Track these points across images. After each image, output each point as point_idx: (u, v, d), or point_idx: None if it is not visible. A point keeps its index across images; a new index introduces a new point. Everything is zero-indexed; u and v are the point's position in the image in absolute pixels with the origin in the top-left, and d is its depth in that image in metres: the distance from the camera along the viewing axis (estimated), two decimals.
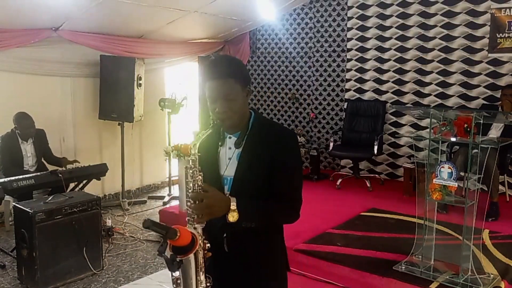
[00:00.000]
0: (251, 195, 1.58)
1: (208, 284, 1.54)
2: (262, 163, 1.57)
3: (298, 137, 6.14)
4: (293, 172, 1.61)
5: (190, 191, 1.51)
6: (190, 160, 1.52)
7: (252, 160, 1.59)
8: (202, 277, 1.52)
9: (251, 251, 1.64)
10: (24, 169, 4.58)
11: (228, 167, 1.63)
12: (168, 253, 1.45)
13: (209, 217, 1.50)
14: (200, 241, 1.50)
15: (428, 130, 3.23)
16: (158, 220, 4.91)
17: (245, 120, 1.62)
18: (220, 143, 1.66)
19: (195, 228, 1.51)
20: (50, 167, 4.68)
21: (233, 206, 1.49)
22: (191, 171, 1.51)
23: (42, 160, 4.80)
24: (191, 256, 1.47)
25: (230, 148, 1.63)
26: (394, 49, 5.81)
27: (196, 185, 1.50)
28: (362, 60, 6.08)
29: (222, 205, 1.50)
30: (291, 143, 1.61)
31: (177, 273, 1.49)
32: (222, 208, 1.50)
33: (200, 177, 1.51)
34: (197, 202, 1.48)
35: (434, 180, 3.02)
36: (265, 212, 1.60)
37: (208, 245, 1.54)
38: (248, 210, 1.52)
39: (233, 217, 1.49)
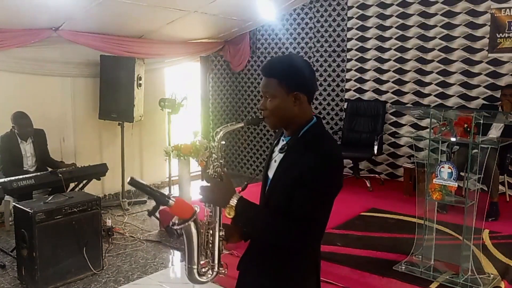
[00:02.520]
0: (279, 203, 1.53)
1: (222, 269, 1.59)
2: (292, 174, 1.51)
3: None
4: (309, 193, 1.46)
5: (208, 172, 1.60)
6: (214, 147, 1.60)
7: (286, 168, 1.55)
8: (211, 260, 1.59)
9: (259, 262, 1.63)
10: (24, 169, 4.58)
11: (271, 168, 1.63)
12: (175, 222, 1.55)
13: (207, 201, 1.56)
14: (205, 221, 1.58)
15: (428, 130, 3.23)
16: (158, 220, 4.93)
17: (293, 125, 1.59)
18: (275, 143, 1.68)
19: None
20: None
21: (233, 202, 1.49)
22: (212, 157, 1.59)
23: (41, 161, 4.79)
24: (193, 232, 1.54)
25: (279, 150, 1.63)
26: (394, 49, 5.81)
27: (213, 170, 1.57)
28: (362, 60, 6.08)
29: (222, 197, 1.51)
30: (320, 162, 1.47)
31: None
32: (221, 199, 1.52)
33: (218, 163, 1.57)
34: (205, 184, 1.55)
35: (434, 180, 3.02)
36: (260, 222, 1.52)
37: (222, 233, 1.58)
38: (244, 213, 1.51)
39: (229, 214, 1.50)
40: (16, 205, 3.53)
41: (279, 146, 1.63)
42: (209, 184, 1.54)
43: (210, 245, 1.60)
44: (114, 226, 4.68)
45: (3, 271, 3.79)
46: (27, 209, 3.38)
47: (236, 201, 1.49)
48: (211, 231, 1.59)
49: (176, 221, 1.55)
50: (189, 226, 1.55)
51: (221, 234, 1.59)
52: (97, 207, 3.74)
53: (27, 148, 4.64)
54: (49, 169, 4.35)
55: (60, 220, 3.49)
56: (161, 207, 1.57)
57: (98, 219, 3.79)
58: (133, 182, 1.56)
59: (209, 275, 1.60)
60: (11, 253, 3.94)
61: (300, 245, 1.50)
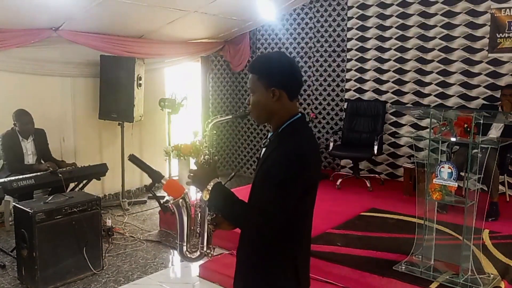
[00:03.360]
0: (256, 196, 1.61)
1: (208, 251, 1.77)
2: (264, 168, 1.58)
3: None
4: (271, 186, 1.51)
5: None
6: (206, 135, 1.75)
7: (263, 162, 1.62)
8: (199, 241, 1.77)
9: (245, 248, 1.71)
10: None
11: (258, 163, 1.71)
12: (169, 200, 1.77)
13: (192, 184, 1.67)
14: (195, 204, 1.76)
15: (428, 130, 3.23)
16: (158, 220, 4.93)
17: (275, 120, 1.64)
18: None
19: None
20: None
21: (209, 186, 1.59)
22: (204, 146, 1.74)
23: (42, 160, 4.79)
24: (183, 210, 1.74)
25: (263, 145, 1.73)
26: (394, 49, 5.81)
27: (203, 157, 1.71)
28: (362, 60, 6.08)
29: (202, 180, 1.62)
30: (284, 158, 1.53)
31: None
32: (201, 183, 1.63)
33: (208, 151, 1.71)
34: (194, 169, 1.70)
35: (434, 180, 3.02)
36: (228, 208, 1.59)
37: (210, 217, 1.72)
38: (216, 197, 1.59)
39: (205, 196, 1.61)
40: (16, 205, 3.53)
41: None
42: (196, 169, 1.68)
43: (199, 227, 1.76)
44: (114, 226, 4.68)
45: (3, 271, 3.79)
46: (27, 209, 3.37)
47: (212, 185, 1.59)
48: (199, 214, 1.76)
49: (170, 199, 1.76)
50: (179, 203, 1.74)
51: (209, 218, 1.73)
52: (97, 207, 3.74)
53: (28, 146, 4.64)
54: (50, 168, 4.35)
55: (60, 220, 3.49)
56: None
57: (98, 219, 3.79)
58: (132, 158, 1.86)
59: (196, 254, 1.78)
60: (11, 253, 3.94)
61: (260, 233, 1.56)
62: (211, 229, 1.75)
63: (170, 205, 1.75)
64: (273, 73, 1.61)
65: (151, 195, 6.10)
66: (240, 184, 6.14)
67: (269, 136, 1.69)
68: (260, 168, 1.63)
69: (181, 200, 1.73)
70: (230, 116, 1.85)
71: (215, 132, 1.78)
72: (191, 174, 1.66)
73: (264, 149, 1.68)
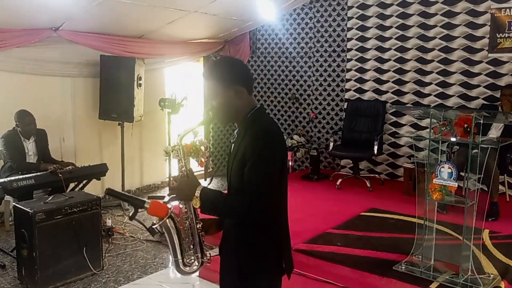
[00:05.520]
0: (236, 186, 1.69)
1: (206, 258, 1.80)
2: (238, 157, 1.66)
3: (298, 136, 6.18)
4: (251, 166, 1.60)
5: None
6: (177, 150, 1.80)
7: (235, 154, 1.70)
8: (194, 251, 1.78)
9: (229, 244, 1.78)
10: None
11: (229, 159, 1.77)
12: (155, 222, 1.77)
13: (178, 199, 1.75)
14: (182, 217, 1.77)
15: (428, 130, 3.23)
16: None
17: (239, 117, 1.74)
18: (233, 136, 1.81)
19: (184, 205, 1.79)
20: None
21: (197, 193, 1.65)
22: (178, 159, 1.79)
23: (41, 160, 4.79)
24: (171, 228, 1.74)
25: (231, 141, 1.80)
26: (394, 49, 5.81)
27: (180, 170, 1.77)
28: (362, 60, 6.08)
29: (187, 191, 1.68)
30: (254, 138, 1.63)
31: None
32: (187, 194, 1.68)
33: (183, 163, 1.76)
34: (173, 183, 1.76)
35: (434, 180, 3.02)
36: (220, 205, 1.66)
37: (200, 225, 1.78)
38: (207, 200, 1.65)
39: (196, 204, 1.66)
40: (16, 205, 3.53)
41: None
42: (176, 183, 1.73)
43: (191, 238, 1.78)
44: (114, 226, 4.68)
45: (3, 271, 3.79)
46: (27, 209, 3.37)
47: (199, 192, 1.65)
48: (188, 225, 1.78)
49: (155, 221, 1.75)
50: (167, 223, 1.74)
51: (198, 226, 1.78)
52: (97, 207, 3.74)
53: (29, 147, 4.64)
54: (49, 168, 4.35)
55: (60, 220, 3.49)
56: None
57: (98, 219, 3.79)
58: (109, 192, 1.86)
59: (195, 266, 1.79)
60: (11, 253, 3.94)
61: (255, 215, 1.61)
62: (202, 236, 1.80)
63: (157, 226, 1.75)
64: (230, 73, 1.72)
65: (153, 195, 6.11)
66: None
67: (235, 132, 1.77)
68: (233, 160, 1.69)
69: (168, 220, 1.74)
70: (195, 126, 1.89)
71: (183, 144, 1.83)
72: (175, 191, 1.72)
73: (233, 144, 1.75)
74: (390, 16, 5.80)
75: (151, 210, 1.75)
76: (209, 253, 1.80)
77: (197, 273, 3.74)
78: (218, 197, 1.66)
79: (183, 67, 6.91)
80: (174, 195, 1.74)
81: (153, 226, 1.75)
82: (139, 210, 1.86)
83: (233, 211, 1.66)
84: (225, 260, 1.80)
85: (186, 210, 1.78)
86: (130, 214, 1.80)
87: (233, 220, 1.74)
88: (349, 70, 6.21)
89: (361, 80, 6.12)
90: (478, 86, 5.27)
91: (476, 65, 5.25)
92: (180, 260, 1.77)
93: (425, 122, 5.51)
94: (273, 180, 1.63)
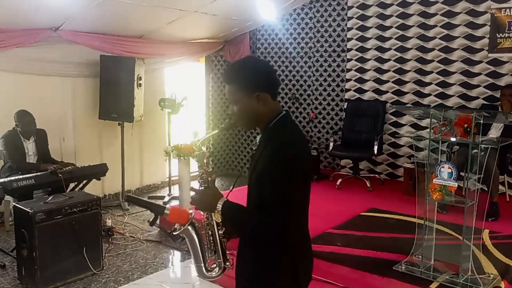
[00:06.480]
0: (254, 198, 1.62)
1: (228, 264, 1.73)
2: (258, 168, 1.59)
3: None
4: (271, 182, 1.53)
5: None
6: (197, 155, 1.74)
7: (255, 163, 1.63)
8: (216, 257, 1.72)
9: (244, 258, 1.71)
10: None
11: (250, 166, 1.71)
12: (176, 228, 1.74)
13: (199, 210, 1.68)
14: (203, 223, 1.72)
15: (428, 130, 3.23)
16: (158, 220, 4.92)
17: (263, 123, 1.66)
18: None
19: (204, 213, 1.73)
20: None
21: (219, 207, 1.60)
22: (199, 166, 1.72)
23: (41, 160, 4.79)
24: (193, 234, 1.71)
25: (254, 149, 1.74)
26: (394, 49, 5.81)
27: (201, 178, 1.70)
28: (362, 60, 6.08)
29: (208, 204, 1.63)
30: (276, 152, 1.55)
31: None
32: (207, 207, 1.65)
33: (204, 171, 1.69)
34: (193, 194, 1.68)
35: (434, 180, 3.02)
36: (241, 220, 1.62)
37: (221, 231, 1.70)
38: (228, 215, 1.60)
39: (218, 218, 1.64)
40: (16, 205, 3.53)
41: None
42: (197, 195, 1.66)
43: (213, 244, 1.72)
44: (114, 226, 4.68)
45: (3, 271, 3.79)
46: (27, 209, 3.37)
47: (221, 206, 1.60)
48: (210, 231, 1.71)
49: (177, 227, 1.72)
50: (188, 230, 1.71)
51: (220, 232, 1.70)
52: (97, 207, 3.74)
53: (29, 147, 4.64)
54: (49, 169, 4.34)
55: (60, 220, 3.48)
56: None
57: (98, 219, 3.78)
58: (129, 198, 1.85)
59: (217, 271, 1.73)
60: (11, 253, 3.94)
61: (273, 232, 1.55)
62: (224, 242, 1.74)
63: (178, 233, 1.72)
64: (253, 78, 1.62)
65: (153, 195, 6.11)
66: (241, 185, 6.13)
67: (258, 138, 1.70)
68: (253, 170, 1.63)
69: (190, 227, 1.71)
70: (217, 131, 1.82)
71: (204, 148, 1.75)
72: (196, 202, 1.66)
73: (254, 152, 1.70)
74: (390, 16, 5.80)
75: (171, 217, 1.71)
76: (232, 259, 1.75)
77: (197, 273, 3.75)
78: (239, 212, 1.61)
79: (183, 67, 6.91)
80: (195, 206, 1.67)
81: (175, 233, 1.74)
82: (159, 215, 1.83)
83: (253, 228, 1.59)
84: (240, 267, 1.74)
85: (207, 215, 1.73)
86: (150, 220, 1.81)
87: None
88: (349, 70, 6.21)
89: (361, 80, 6.12)
90: (478, 86, 5.27)
91: (476, 65, 5.25)
92: (202, 265, 1.74)
93: (425, 122, 5.51)
94: (291, 199, 1.55)
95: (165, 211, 1.72)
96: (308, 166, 1.65)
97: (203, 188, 1.69)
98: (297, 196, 1.58)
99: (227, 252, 1.75)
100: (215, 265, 1.73)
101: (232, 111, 1.66)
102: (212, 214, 1.67)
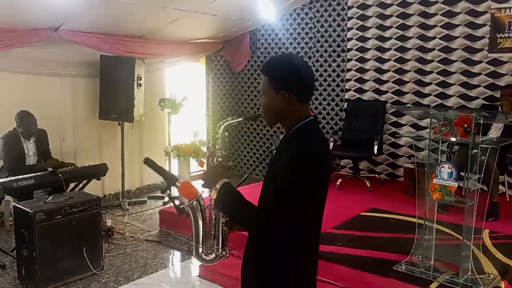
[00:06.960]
0: (262, 199, 1.62)
1: (224, 253, 1.77)
2: (273, 171, 1.59)
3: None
4: (276, 188, 1.51)
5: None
6: (218, 137, 1.81)
7: (272, 164, 1.65)
8: (215, 243, 1.77)
9: (249, 255, 1.71)
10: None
11: (269, 165, 1.73)
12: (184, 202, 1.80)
13: (204, 185, 1.70)
14: (209, 206, 1.77)
15: (428, 130, 3.23)
16: (158, 220, 4.93)
17: (286, 123, 1.64)
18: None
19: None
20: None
21: (218, 185, 1.62)
22: (216, 148, 1.79)
23: (42, 160, 4.79)
24: (198, 212, 1.77)
25: (274, 148, 1.80)
26: (394, 49, 5.81)
27: (217, 159, 1.76)
28: (362, 60, 6.08)
29: (212, 180, 1.65)
30: (290, 160, 1.52)
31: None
32: (211, 182, 1.66)
33: (219, 153, 1.76)
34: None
35: (434, 180, 3.02)
36: (235, 208, 1.62)
37: (224, 220, 1.74)
38: (224, 196, 1.61)
39: (213, 195, 1.64)
40: (16, 205, 3.53)
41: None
42: (207, 170, 1.74)
43: (213, 229, 1.77)
44: (114, 226, 4.68)
45: (3, 271, 3.79)
46: (27, 209, 3.38)
47: (220, 185, 1.62)
48: (214, 216, 1.76)
49: (185, 202, 1.78)
50: (194, 208, 1.76)
51: (223, 220, 1.75)
52: (97, 207, 3.74)
53: (29, 147, 4.64)
54: (49, 169, 4.34)
55: (60, 220, 3.49)
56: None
57: (98, 219, 3.79)
58: (147, 161, 1.85)
59: (212, 256, 1.78)
60: (11, 253, 3.94)
61: (263, 234, 1.58)
62: (226, 231, 1.76)
63: (185, 207, 1.78)
64: (281, 76, 1.60)
65: (153, 195, 6.12)
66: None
67: (280, 138, 1.70)
68: (269, 170, 1.65)
69: (195, 203, 1.75)
70: (241, 118, 1.87)
71: (227, 134, 1.82)
72: (203, 175, 1.70)
73: (274, 151, 1.71)
74: (390, 16, 5.80)
75: (181, 189, 1.79)
76: (228, 249, 1.79)
77: (197, 272, 3.75)
78: (236, 199, 1.60)
79: (183, 67, 6.92)
80: (202, 179, 1.72)
81: (181, 206, 1.80)
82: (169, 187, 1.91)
83: (242, 220, 1.63)
84: (245, 267, 1.72)
85: (211, 199, 1.76)
86: (163, 188, 1.87)
87: (250, 242, 1.68)
88: (349, 70, 6.21)
89: (361, 80, 6.12)
90: (478, 86, 5.27)
91: (476, 65, 5.25)
92: (200, 247, 1.79)
93: (425, 122, 5.50)
94: (296, 209, 1.52)
95: (177, 183, 1.79)
96: (325, 178, 1.64)
97: (214, 166, 1.73)
98: (301, 209, 1.53)
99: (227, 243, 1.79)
100: (212, 250, 1.78)
101: (261, 102, 1.69)
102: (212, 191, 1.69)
